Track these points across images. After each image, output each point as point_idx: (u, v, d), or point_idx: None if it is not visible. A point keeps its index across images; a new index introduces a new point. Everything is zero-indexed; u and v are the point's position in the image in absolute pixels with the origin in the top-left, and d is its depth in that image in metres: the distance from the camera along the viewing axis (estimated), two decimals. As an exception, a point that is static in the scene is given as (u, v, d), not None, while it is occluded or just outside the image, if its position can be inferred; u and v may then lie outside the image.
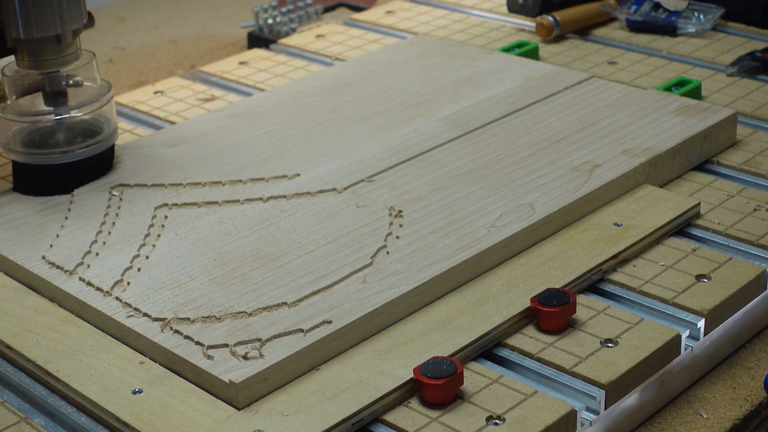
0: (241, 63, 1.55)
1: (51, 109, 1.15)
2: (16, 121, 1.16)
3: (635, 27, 1.56)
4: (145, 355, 0.93)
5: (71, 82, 1.17)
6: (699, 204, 1.11)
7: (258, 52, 1.60)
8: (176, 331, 0.92)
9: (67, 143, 1.15)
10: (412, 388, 0.88)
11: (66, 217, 1.10)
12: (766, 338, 1.02)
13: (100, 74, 1.74)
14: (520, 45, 1.49)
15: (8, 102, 1.16)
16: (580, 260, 1.02)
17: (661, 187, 1.16)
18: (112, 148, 1.19)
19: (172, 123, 1.37)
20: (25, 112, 1.16)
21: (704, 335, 0.96)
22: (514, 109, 1.27)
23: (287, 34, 1.72)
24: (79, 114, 1.17)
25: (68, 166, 1.14)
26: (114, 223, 1.08)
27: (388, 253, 1.01)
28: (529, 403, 0.86)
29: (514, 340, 0.94)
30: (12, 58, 1.16)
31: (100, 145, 1.16)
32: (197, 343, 0.91)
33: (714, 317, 0.97)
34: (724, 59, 1.45)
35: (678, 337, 0.93)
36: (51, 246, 1.06)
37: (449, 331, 0.93)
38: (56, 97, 1.15)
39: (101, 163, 1.17)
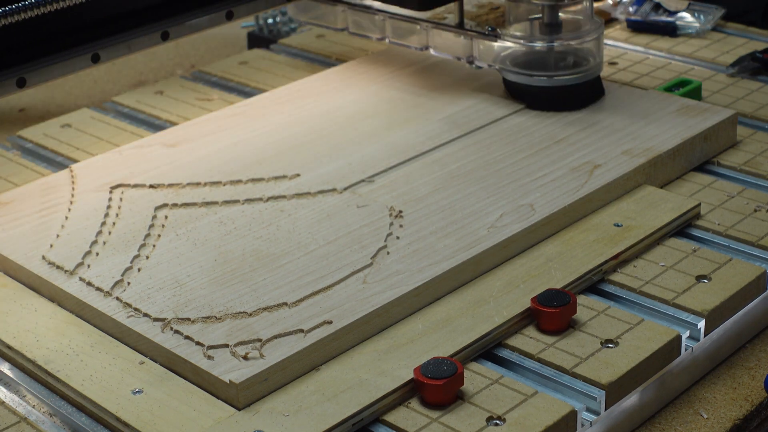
0: (241, 63, 1.55)
1: (547, 36, 1.28)
2: (522, 44, 1.29)
3: (635, 27, 1.56)
4: (146, 356, 0.93)
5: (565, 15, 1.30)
6: (699, 205, 1.11)
7: (258, 52, 1.60)
8: (176, 332, 0.92)
9: (554, 68, 1.27)
10: (413, 389, 0.88)
11: (66, 217, 1.10)
12: (766, 338, 1.02)
13: (100, 74, 1.74)
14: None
15: (507, 28, 1.31)
16: (580, 261, 1.02)
17: (662, 187, 1.16)
18: (598, 80, 1.29)
19: (172, 123, 1.37)
20: (524, 37, 1.29)
21: (704, 336, 0.96)
22: (515, 109, 1.27)
23: (287, 34, 1.72)
24: (571, 44, 1.29)
25: (552, 89, 1.26)
26: (114, 223, 1.08)
27: (388, 253, 1.01)
28: (530, 404, 0.86)
29: (515, 341, 0.94)
30: None
31: (583, 75, 1.27)
32: (197, 343, 0.91)
33: (714, 318, 0.97)
34: (725, 60, 1.45)
35: (678, 338, 0.93)
36: (51, 246, 1.06)
37: (449, 332, 0.93)
38: (551, 27, 1.28)
39: (585, 92, 1.27)
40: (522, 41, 1.29)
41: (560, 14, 1.29)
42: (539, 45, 1.29)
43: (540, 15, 1.29)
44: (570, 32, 1.29)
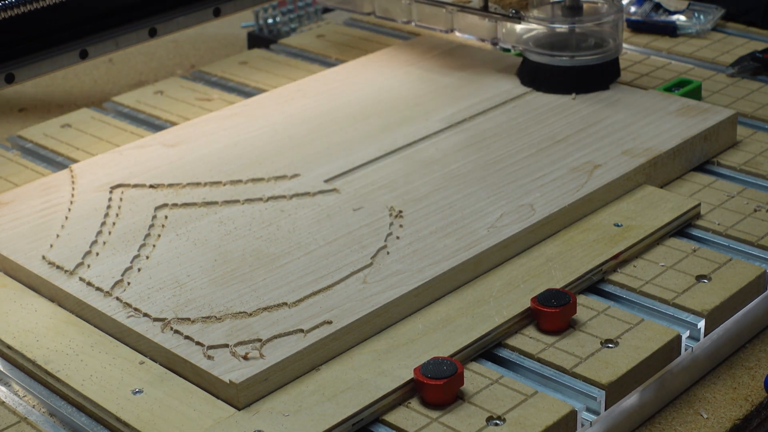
0: (241, 63, 1.55)
1: (570, 18, 1.33)
2: (540, 25, 1.34)
3: (635, 27, 1.56)
4: (146, 356, 0.93)
5: None
6: (699, 204, 1.11)
7: (258, 52, 1.60)
8: (176, 332, 0.92)
9: (576, 49, 1.32)
10: (413, 389, 0.88)
11: (66, 217, 1.10)
12: (766, 338, 1.02)
13: (100, 74, 1.74)
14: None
15: (530, 10, 1.35)
16: (580, 261, 1.02)
17: (662, 187, 1.16)
18: (616, 61, 1.33)
19: (172, 123, 1.37)
20: (547, 18, 1.34)
21: (704, 336, 0.96)
22: (514, 108, 1.27)
23: (287, 34, 1.72)
24: (589, 25, 1.33)
25: (574, 69, 1.30)
26: (114, 223, 1.08)
27: (388, 253, 1.01)
28: (530, 404, 0.86)
29: (515, 341, 0.94)
30: None
31: (603, 55, 1.31)
32: (197, 343, 0.91)
33: (714, 318, 0.97)
34: (725, 59, 1.45)
35: (678, 338, 0.93)
36: (51, 246, 1.06)
37: (449, 332, 0.93)
38: (572, 9, 1.33)
39: (605, 72, 1.32)
40: (544, 23, 1.34)
41: None
42: (561, 27, 1.34)
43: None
44: (590, 15, 1.34)
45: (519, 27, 1.35)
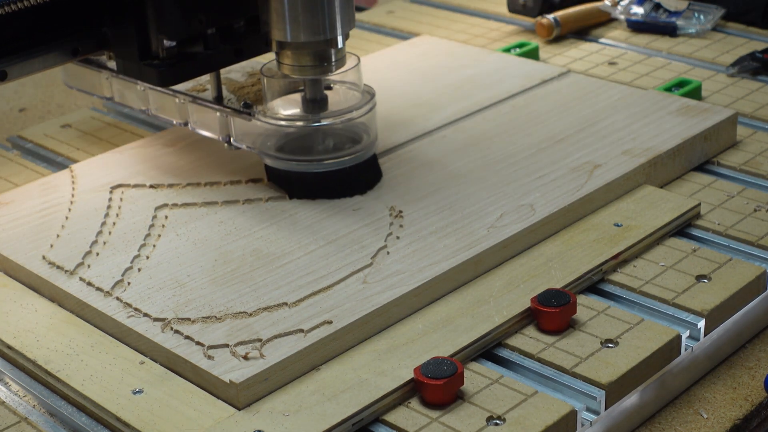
0: (241, 63, 1.54)
1: (310, 115, 1.09)
2: (275, 125, 1.10)
3: (635, 27, 1.56)
4: (146, 355, 0.93)
5: (330, 86, 1.11)
6: (699, 204, 1.11)
7: (258, 52, 1.59)
8: (177, 332, 0.92)
9: (323, 152, 1.09)
10: (413, 389, 0.88)
11: (66, 217, 1.10)
12: (766, 338, 1.02)
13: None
14: (520, 45, 1.49)
15: (265, 105, 1.11)
16: (580, 260, 1.02)
17: (662, 187, 1.16)
18: (374, 159, 1.12)
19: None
20: (285, 117, 1.10)
21: (704, 335, 0.96)
22: (514, 108, 1.27)
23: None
24: (338, 122, 1.10)
25: (323, 174, 1.09)
26: (114, 223, 1.08)
27: (388, 253, 1.01)
28: (530, 404, 0.86)
29: (515, 341, 0.94)
30: (270, 57, 1.10)
31: (355, 156, 1.09)
32: (198, 343, 0.91)
33: (714, 317, 0.97)
34: (725, 59, 1.45)
35: (678, 338, 0.93)
36: (51, 246, 1.06)
37: (449, 332, 0.93)
38: (315, 103, 1.10)
39: (362, 175, 1.10)
40: (279, 122, 1.10)
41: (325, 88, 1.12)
42: (300, 125, 1.11)
43: (302, 89, 1.11)
44: (338, 107, 1.11)
45: (250, 124, 1.11)
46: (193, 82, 1.17)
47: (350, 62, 1.10)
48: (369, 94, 1.12)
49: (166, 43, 1.06)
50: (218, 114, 1.14)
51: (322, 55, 1.07)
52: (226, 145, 1.14)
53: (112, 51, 1.14)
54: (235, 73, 1.19)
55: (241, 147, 1.13)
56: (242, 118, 1.11)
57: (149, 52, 1.08)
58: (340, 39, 1.07)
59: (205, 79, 1.16)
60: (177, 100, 1.17)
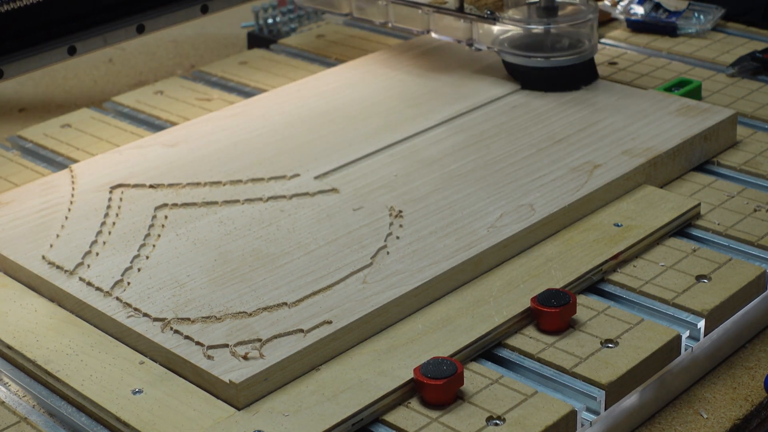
0: (241, 63, 1.55)
1: (547, 19, 1.34)
2: (515, 26, 1.34)
3: (635, 27, 1.56)
4: (146, 356, 0.93)
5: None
6: (699, 204, 1.11)
7: (258, 52, 1.60)
8: (176, 332, 0.92)
9: (551, 50, 1.32)
10: (413, 389, 0.88)
11: (66, 217, 1.10)
12: (766, 338, 1.02)
13: (100, 74, 1.74)
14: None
15: (506, 11, 1.36)
16: (580, 260, 1.02)
17: (662, 187, 1.16)
18: (592, 62, 1.34)
19: (172, 123, 1.37)
20: (522, 19, 1.35)
21: (704, 336, 0.96)
22: (514, 108, 1.27)
23: (287, 34, 1.72)
24: (564, 26, 1.34)
25: (550, 69, 1.31)
26: (114, 223, 1.08)
27: (388, 253, 1.01)
28: (529, 404, 0.86)
29: (515, 341, 0.94)
30: None
31: (578, 56, 1.32)
32: (197, 343, 0.91)
33: (714, 318, 0.97)
34: (725, 59, 1.45)
35: (678, 338, 0.93)
36: (51, 246, 1.06)
37: (449, 332, 0.93)
38: (549, 10, 1.34)
39: (581, 73, 1.32)
40: (519, 24, 1.34)
41: None
42: (536, 27, 1.34)
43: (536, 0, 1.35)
44: (566, 16, 1.34)
45: (494, 28, 1.35)
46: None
47: None
48: (592, 7, 1.35)
49: None
50: (462, 21, 1.37)
51: None
52: (467, 47, 1.40)
53: None
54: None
55: (482, 48, 1.38)
56: (487, 23, 1.35)
57: None
58: None
59: (442, -5, 1.40)
60: (420, 11, 1.40)
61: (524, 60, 1.32)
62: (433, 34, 1.41)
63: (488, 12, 1.35)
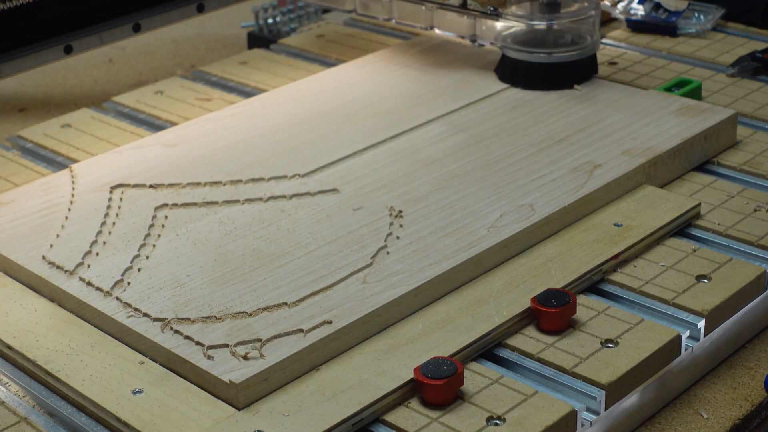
0: (241, 63, 1.55)
1: (550, 15, 1.35)
2: (518, 22, 1.36)
3: (635, 27, 1.56)
4: (146, 355, 0.93)
5: None
6: (699, 204, 1.11)
7: (258, 52, 1.60)
8: (176, 331, 0.92)
9: (553, 46, 1.34)
10: (413, 389, 0.88)
11: (66, 217, 1.10)
12: (766, 338, 1.02)
13: (100, 74, 1.74)
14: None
15: (508, 8, 1.37)
16: (580, 260, 1.02)
17: (662, 187, 1.16)
18: (594, 57, 1.36)
19: (172, 123, 1.37)
20: (525, 15, 1.36)
21: (704, 335, 0.96)
22: (514, 108, 1.27)
23: (287, 34, 1.72)
24: (566, 21, 1.35)
25: (552, 65, 1.33)
26: (114, 223, 1.08)
27: (388, 253, 1.01)
28: (530, 404, 0.86)
29: (515, 341, 0.94)
30: None
31: (580, 52, 1.33)
32: (197, 343, 0.91)
33: (714, 318, 0.97)
34: (725, 59, 1.45)
35: (678, 338, 0.93)
36: (51, 246, 1.06)
37: (449, 332, 0.93)
38: (552, 6, 1.35)
39: (583, 69, 1.34)
40: (522, 20, 1.36)
41: None
42: (539, 23, 1.36)
43: None
44: (568, 11, 1.36)
45: (497, 24, 1.37)
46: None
47: None
48: (594, 3, 1.36)
49: None
50: (465, 17, 1.39)
51: None
52: (471, 43, 1.42)
53: None
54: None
55: (485, 44, 1.39)
56: (491, 19, 1.37)
57: None
58: None
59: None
60: (423, 7, 1.42)
61: (527, 56, 1.33)
62: (437, 30, 1.43)
63: (491, 8, 1.37)
